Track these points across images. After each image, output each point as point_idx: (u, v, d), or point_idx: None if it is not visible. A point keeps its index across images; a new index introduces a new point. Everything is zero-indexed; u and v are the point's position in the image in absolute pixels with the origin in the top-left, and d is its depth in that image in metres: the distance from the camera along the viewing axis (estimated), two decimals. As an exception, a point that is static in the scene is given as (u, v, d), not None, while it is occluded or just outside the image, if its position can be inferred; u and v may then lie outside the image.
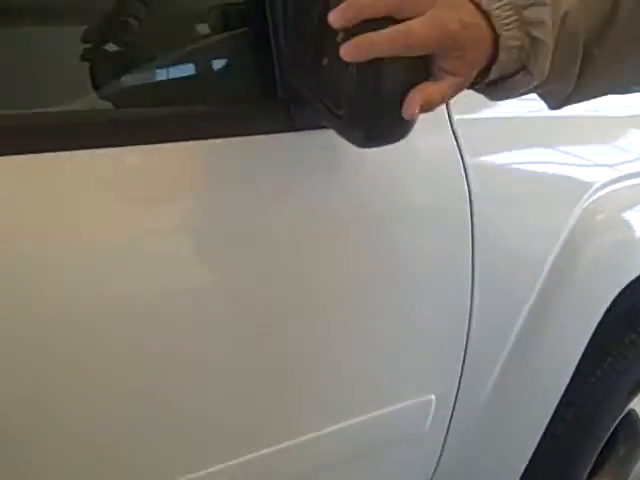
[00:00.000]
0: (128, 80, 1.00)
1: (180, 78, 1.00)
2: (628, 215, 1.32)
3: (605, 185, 1.27)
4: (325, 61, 0.78)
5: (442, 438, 1.18)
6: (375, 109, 0.73)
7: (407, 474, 1.20)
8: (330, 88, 0.79)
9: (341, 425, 1.05)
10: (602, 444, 1.45)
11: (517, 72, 0.77)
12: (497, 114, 1.16)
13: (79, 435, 0.83)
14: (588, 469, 1.46)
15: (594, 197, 1.25)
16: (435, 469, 1.21)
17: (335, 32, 0.74)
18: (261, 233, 0.93)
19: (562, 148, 1.25)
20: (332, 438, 1.05)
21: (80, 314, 0.80)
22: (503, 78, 0.78)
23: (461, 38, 0.72)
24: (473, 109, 1.11)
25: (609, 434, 1.46)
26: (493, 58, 0.75)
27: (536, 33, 0.74)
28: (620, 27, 0.80)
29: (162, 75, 1.00)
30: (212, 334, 0.90)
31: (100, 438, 0.85)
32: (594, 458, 1.45)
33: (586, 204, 1.25)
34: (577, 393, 1.34)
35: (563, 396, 1.32)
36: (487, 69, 0.76)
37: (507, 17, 0.73)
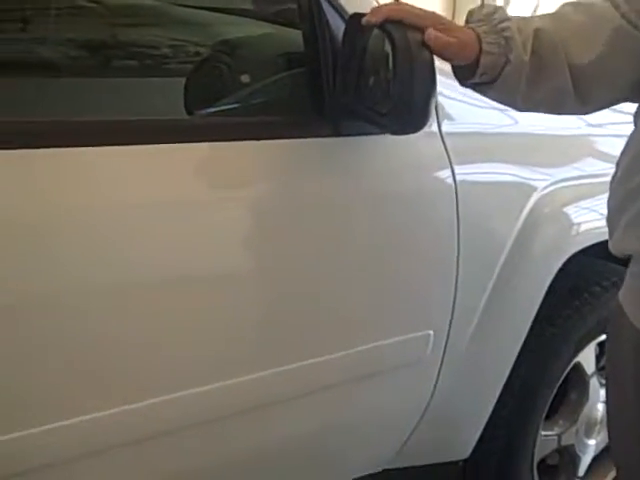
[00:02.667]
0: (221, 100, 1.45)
1: (257, 100, 1.45)
2: (567, 209, 1.79)
3: (549, 186, 1.74)
4: (371, 80, 1.26)
5: (438, 365, 1.62)
6: (408, 107, 1.20)
7: (411, 393, 1.63)
8: (375, 98, 1.26)
9: (357, 349, 1.48)
10: (556, 388, 1.89)
11: (503, 68, 1.20)
12: (477, 130, 1.63)
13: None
14: (545, 409, 1.90)
15: (542, 194, 1.72)
16: (433, 391, 1.64)
17: (376, 64, 1.22)
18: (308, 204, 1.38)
19: (520, 158, 1.72)
20: (350, 358, 1.47)
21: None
22: (494, 79, 1.21)
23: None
24: (457, 125, 1.58)
25: (560, 382, 1.90)
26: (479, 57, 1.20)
27: (506, 33, 1.20)
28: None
29: (245, 98, 1.45)
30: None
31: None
32: (550, 400, 1.89)
33: (536, 200, 1.72)
34: (534, 344, 1.78)
35: (524, 345, 1.76)
36: (476, 66, 1.20)
37: (485, 32, 1.20)
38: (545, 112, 1.36)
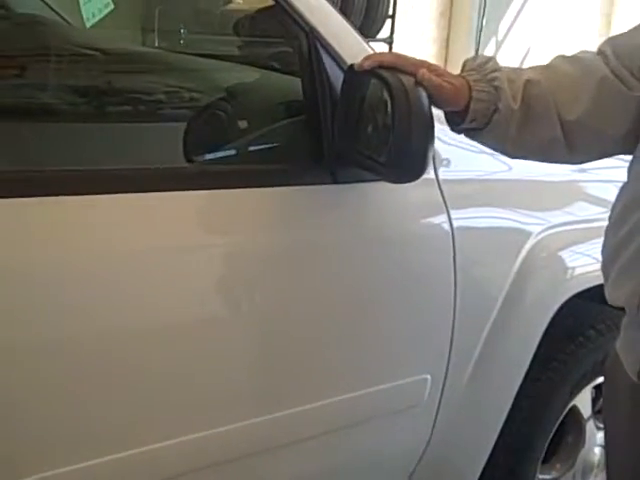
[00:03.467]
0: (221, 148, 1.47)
1: (256, 147, 1.47)
2: (562, 254, 1.80)
3: (544, 231, 1.76)
4: (369, 129, 1.28)
5: (435, 408, 1.62)
6: (406, 157, 1.21)
7: (409, 436, 1.64)
8: (374, 146, 1.28)
9: (356, 393, 1.49)
10: (552, 432, 1.89)
11: (492, 115, 1.24)
12: (472, 176, 1.65)
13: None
14: (543, 453, 1.90)
15: (537, 239, 1.74)
16: (430, 435, 1.64)
17: (374, 112, 1.24)
18: (307, 249, 1.40)
19: (515, 204, 1.74)
20: (346, 404, 1.48)
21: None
22: (484, 126, 1.26)
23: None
24: (453, 172, 1.60)
25: (557, 425, 1.91)
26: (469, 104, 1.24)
27: (496, 82, 1.24)
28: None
29: (244, 145, 1.47)
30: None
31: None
32: (546, 444, 1.90)
33: (532, 245, 1.73)
34: (530, 387, 1.79)
35: (520, 389, 1.77)
36: (467, 112, 1.24)
37: (475, 80, 1.25)
38: (535, 159, 1.39)
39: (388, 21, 6.20)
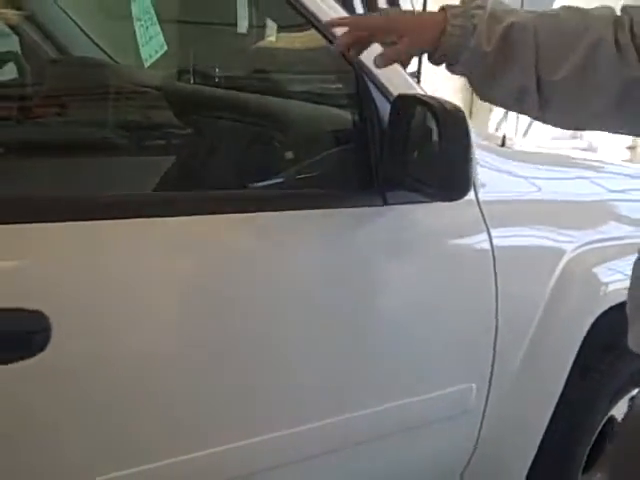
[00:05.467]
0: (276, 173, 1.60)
1: (308, 174, 1.60)
2: (595, 270, 1.91)
3: (577, 248, 1.86)
4: (416, 153, 1.40)
5: (481, 416, 1.72)
6: (453, 176, 1.34)
7: (457, 442, 1.74)
8: (421, 169, 1.40)
9: (408, 400, 1.60)
10: (592, 441, 1.98)
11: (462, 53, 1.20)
12: (508, 197, 1.77)
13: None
14: (583, 462, 1.99)
15: (571, 256, 1.84)
16: (477, 441, 1.75)
17: (419, 139, 1.37)
18: (362, 268, 1.52)
19: (548, 223, 1.85)
20: (400, 410, 1.60)
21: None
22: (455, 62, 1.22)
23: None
24: (491, 194, 1.72)
25: (596, 435, 1.99)
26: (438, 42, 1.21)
27: (475, 20, 1.19)
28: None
29: (299, 171, 1.60)
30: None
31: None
32: (586, 453, 1.98)
33: (566, 261, 1.84)
34: (570, 397, 1.88)
35: (560, 398, 1.86)
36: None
37: (454, 14, 1.21)
38: (500, 106, 1.32)
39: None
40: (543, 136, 7.33)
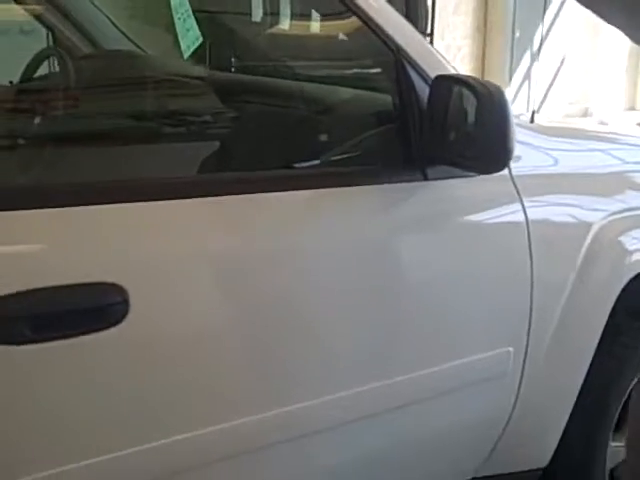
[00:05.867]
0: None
1: (354, 154, 1.69)
2: (621, 238, 2.00)
3: (605, 218, 1.96)
4: (455, 130, 1.50)
5: (518, 379, 1.82)
6: (494, 149, 1.43)
7: (496, 405, 1.84)
8: (461, 144, 1.50)
9: (443, 366, 1.70)
10: (623, 401, 2.07)
11: None
12: (539, 171, 1.86)
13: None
14: (614, 421, 2.08)
15: (599, 225, 1.94)
16: (514, 403, 1.85)
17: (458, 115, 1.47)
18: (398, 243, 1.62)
19: (577, 195, 1.95)
20: (442, 374, 1.70)
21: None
22: None
23: None
24: (523, 168, 1.81)
25: (627, 394, 2.09)
26: None
27: None
28: None
29: (344, 153, 1.69)
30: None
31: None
32: (617, 413, 2.08)
33: (595, 231, 1.93)
34: (602, 360, 1.98)
35: (592, 362, 1.96)
36: None
37: None
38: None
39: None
40: (555, 113, 7.43)
